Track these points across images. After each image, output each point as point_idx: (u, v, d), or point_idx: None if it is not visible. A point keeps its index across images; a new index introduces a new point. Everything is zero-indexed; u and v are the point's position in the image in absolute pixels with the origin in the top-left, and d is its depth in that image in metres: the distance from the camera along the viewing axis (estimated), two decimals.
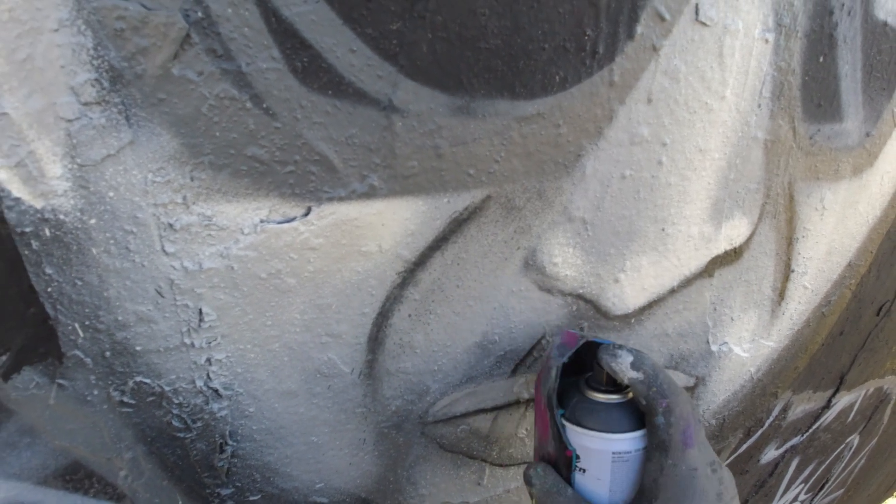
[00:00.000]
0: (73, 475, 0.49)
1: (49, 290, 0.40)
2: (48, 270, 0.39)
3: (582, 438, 0.45)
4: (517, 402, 0.56)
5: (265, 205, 0.40)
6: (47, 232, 0.38)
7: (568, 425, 0.46)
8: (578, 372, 0.49)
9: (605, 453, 0.44)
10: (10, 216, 0.37)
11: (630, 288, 0.55)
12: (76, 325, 0.41)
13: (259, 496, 0.52)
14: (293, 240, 0.41)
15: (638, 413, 0.45)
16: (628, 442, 0.44)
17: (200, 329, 0.42)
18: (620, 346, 0.45)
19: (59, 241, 0.38)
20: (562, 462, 0.46)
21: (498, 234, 0.47)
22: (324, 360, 0.47)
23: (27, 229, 0.38)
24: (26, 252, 0.38)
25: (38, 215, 0.37)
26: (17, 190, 0.36)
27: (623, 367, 0.43)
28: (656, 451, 0.43)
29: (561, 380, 0.46)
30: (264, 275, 0.41)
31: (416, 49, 0.38)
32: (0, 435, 0.48)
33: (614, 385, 0.46)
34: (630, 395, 0.46)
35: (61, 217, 0.38)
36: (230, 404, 0.46)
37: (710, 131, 0.52)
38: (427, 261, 0.45)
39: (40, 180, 0.36)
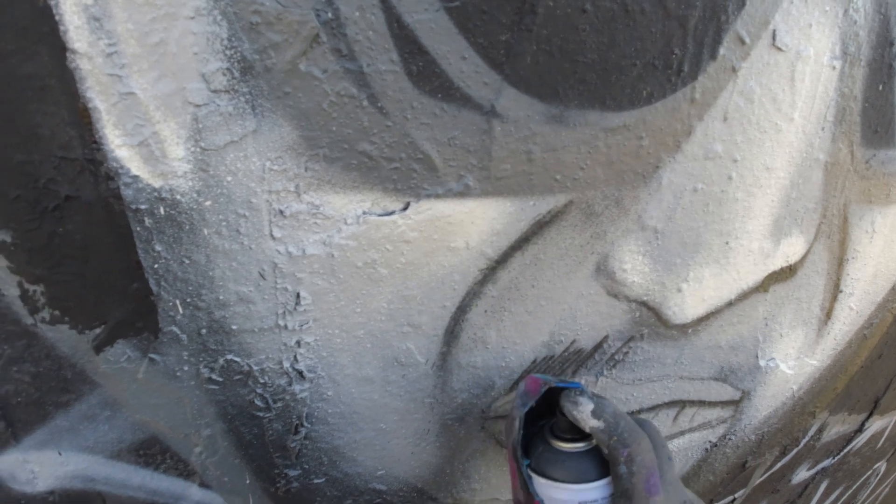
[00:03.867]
0: (147, 450, 0.51)
1: (156, 266, 0.42)
2: (158, 247, 0.41)
3: (548, 489, 0.45)
4: None
5: (369, 197, 0.42)
6: (162, 210, 0.40)
7: (534, 476, 0.46)
8: (549, 411, 0.48)
9: (572, 503, 0.45)
10: (127, 193, 0.39)
11: (691, 298, 0.57)
12: (177, 302, 0.44)
13: (323, 479, 0.54)
14: (391, 232, 0.43)
15: (603, 460, 0.45)
16: (594, 491, 0.44)
17: (295, 312, 0.44)
18: (582, 393, 0.44)
19: (172, 220, 0.41)
20: None
21: (575, 239, 0.49)
22: (402, 350, 0.49)
23: (142, 206, 0.40)
24: (138, 228, 0.41)
25: (155, 194, 0.40)
26: (136, 168, 0.39)
27: (584, 415, 0.43)
28: (621, 499, 0.43)
29: (526, 428, 0.46)
30: (360, 263, 0.44)
31: (521, 59, 0.41)
32: (80, 407, 0.50)
33: (578, 432, 0.46)
34: (594, 441, 0.46)
35: (178, 197, 0.40)
36: (311, 387, 0.48)
37: (778, 151, 0.54)
38: (508, 260, 0.48)
39: (161, 161, 0.39)
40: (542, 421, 0.49)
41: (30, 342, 0.44)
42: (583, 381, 0.57)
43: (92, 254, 0.41)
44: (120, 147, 0.38)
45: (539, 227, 0.47)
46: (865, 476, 0.99)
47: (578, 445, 0.46)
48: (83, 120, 0.37)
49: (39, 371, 0.46)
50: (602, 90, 0.44)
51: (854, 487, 0.99)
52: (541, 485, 0.46)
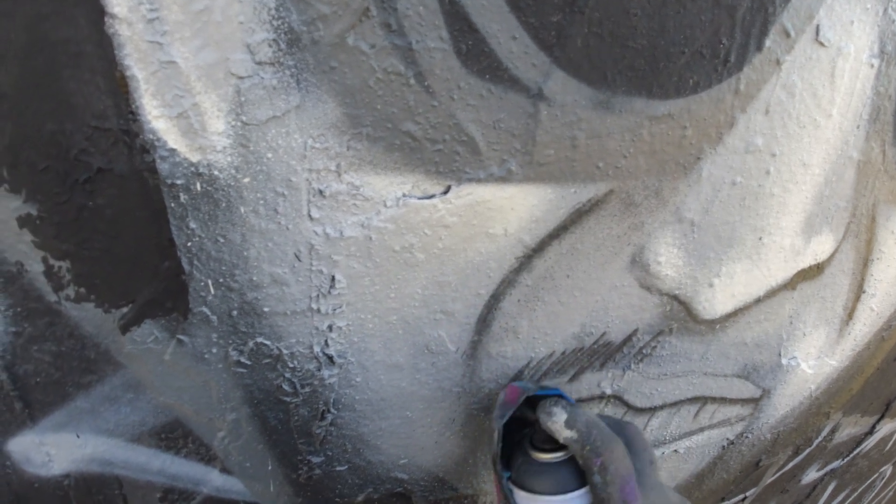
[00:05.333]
0: (169, 434, 0.50)
1: (189, 244, 0.41)
2: (192, 225, 0.40)
3: (529, 502, 0.45)
4: (600, 397, 0.58)
5: (409, 180, 0.41)
6: (198, 186, 0.39)
7: (514, 489, 0.46)
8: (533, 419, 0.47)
9: None
10: (163, 167, 0.38)
11: (721, 293, 0.56)
12: (209, 282, 0.42)
13: (346, 466, 0.53)
14: (430, 216, 0.42)
15: (581, 469, 0.44)
16: (574, 501, 0.44)
17: (329, 296, 0.43)
18: (556, 402, 0.44)
19: (208, 197, 0.39)
20: None
21: (613, 229, 0.48)
22: (433, 337, 0.48)
23: (178, 181, 0.39)
24: (172, 205, 0.40)
25: (192, 169, 0.38)
26: (173, 141, 0.37)
27: (558, 425, 0.43)
28: None
29: (508, 438, 0.46)
30: (398, 247, 0.43)
31: (571, 42, 0.40)
32: (101, 388, 0.49)
33: (557, 442, 0.45)
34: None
35: (215, 173, 0.39)
36: (340, 372, 0.47)
37: (815, 147, 0.54)
38: (545, 248, 0.47)
39: (200, 134, 0.37)
40: (525, 429, 0.48)
41: (52, 320, 0.43)
42: (610, 374, 0.57)
43: (122, 230, 0.40)
44: (157, 118, 0.36)
45: (578, 216, 0.46)
46: (872, 479, 0.99)
47: (557, 455, 0.45)
48: (120, 89, 0.36)
49: (61, 350, 0.44)
50: (650, 77, 0.43)
51: (860, 490, 0.99)
52: (522, 498, 0.46)
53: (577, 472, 0.45)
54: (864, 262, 0.66)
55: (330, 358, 0.46)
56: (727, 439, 0.71)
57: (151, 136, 0.37)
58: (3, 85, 0.35)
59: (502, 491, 0.46)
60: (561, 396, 0.45)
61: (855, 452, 0.90)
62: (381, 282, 0.44)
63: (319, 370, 0.47)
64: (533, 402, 0.46)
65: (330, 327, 0.45)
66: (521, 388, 0.46)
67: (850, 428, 0.84)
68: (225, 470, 0.51)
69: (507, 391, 0.47)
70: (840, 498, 0.97)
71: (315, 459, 0.52)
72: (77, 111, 0.36)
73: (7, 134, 0.36)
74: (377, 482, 0.55)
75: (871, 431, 0.89)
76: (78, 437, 0.49)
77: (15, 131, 0.36)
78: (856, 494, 1.00)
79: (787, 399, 0.71)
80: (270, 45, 0.36)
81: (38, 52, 0.35)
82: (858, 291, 0.68)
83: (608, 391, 0.58)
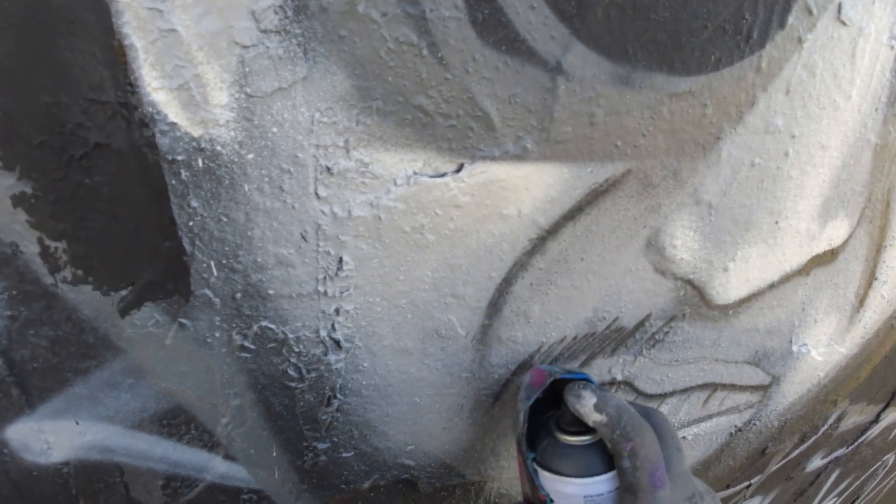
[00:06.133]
0: (171, 420, 0.49)
1: (191, 224, 0.39)
2: (194, 203, 0.39)
3: (554, 483, 0.44)
4: (610, 383, 0.57)
5: (420, 157, 0.39)
6: (200, 163, 0.37)
7: (539, 470, 0.45)
8: (557, 402, 0.47)
9: (578, 497, 0.44)
10: (163, 142, 0.36)
11: (736, 278, 0.55)
12: (212, 263, 0.41)
13: (352, 453, 0.52)
14: (441, 195, 0.41)
15: (609, 453, 0.44)
16: (600, 485, 0.44)
17: (336, 278, 0.42)
18: (585, 386, 0.44)
19: (210, 174, 0.38)
20: None
21: (630, 210, 0.47)
22: (443, 321, 0.46)
23: (179, 157, 0.37)
24: (173, 182, 0.38)
25: (194, 144, 0.37)
26: (174, 115, 0.36)
27: (587, 409, 0.43)
28: (626, 493, 0.42)
29: (534, 420, 0.45)
30: (408, 228, 0.41)
31: (592, 13, 0.38)
32: (101, 374, 0.48)
33: (583, 425, 0.45)
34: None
35: (218, 148, 0.37)
36: (347, 357, 0.46)
37: (833, 129, 0.52)
38: (559, 230, 0.45)
39: (202, 107, 0.36)
40: (549, 412, 0.48)
41: (49, 304, 0.41)
42: (621, 360, 0.56)
43: (121, 208, 0.38)
44: (157, 90, 0.35)
45: (594, 197, 0.45)
46: (874, 467, 0.99)
47: (583, 438, 0.45)
48: (118, 59, 0.34)
49: (59, 335, 0.43)
50: (671, 52, 0.41)
51: (862, 478, 0.99)
52: (546, 479, 0.45)
53: (604, 456, 0.44)
54: (878, 249, 0.65)
55: (337, 342, 0.45)
56: (735, 426, 0.70)
57: (151, 110, 0.35)
58: None
59: (527, 472, 0.45)
60: (588, 380, 0.45)
61: (859, 441, 0.90)
62: (390, 264, 0.42)
63: (326, 355, 0.45)
64: (557, 386, 0.46)
65: (337, 311, 0.44)
66: (547, 371, 0.45)
67: (855, 416, 0.84)
68: (228, 457, 0.50)
69: (532, 373, 0.46)
70: (843, 486, 0.97)
71: (321, 446, 0.51)
72: (73, 83, 0.34)
73: (0, 107, 0.35)
74: (384, 469, 0.54)
75: (875, 420, 0.88)
76: (77, 423, 0.48)
77: (8, 104, 0.35)
78: (858, 483, 1.00)
79: (795, 386, 0.70)
80: (276, 13, 0.34)
81: (31, 20, 0.33)
82: (870, 278, 0.67)
83: (619, 377, 0.57)
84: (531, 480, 0.45)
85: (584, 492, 0.44)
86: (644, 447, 0.41)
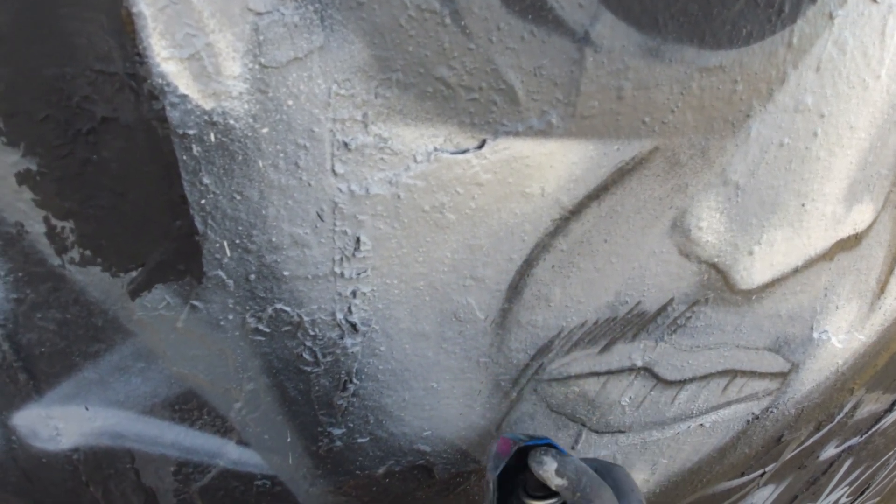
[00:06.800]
0: (183, 405, 0.48)
1: (203, 202, 0.38)
2: (206, 180, 0.37)
3: None
4: (630, 369, 0.55)
5: (441, 132, 0.38)
6: (212, 137, 0.36)
7: None
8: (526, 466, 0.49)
9: None
10: (173, 115, 0.35)
11: (760, 262, 0.54)
12: (225, 243, 0.40)
13: (368, 438, 0.51)
14: (463, 173, 0.39)
15: None
16: None
17: (353, 259, 0.41)
18: (546, 452, 0.46)
19: (223, 149, 0.36)
20: None
21: (656, 190, 0.45)
22: (462, 304, 0.45)
23: (190, 132, 0.35)
24: (185, 157, 0.36)
25: (206, 117, 0.35)
26: (185, 86, 0.34)
27: (549, 473, 0.45)
28: None
29: (503, 487, 0.47)
30: (427, 207, 0.40)
31: None
32: (110, 358, 0.46)
33: (549, 489, 0.46)
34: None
35: (231, 122, 0.35)
36: (363, 341, 0.45)
37: (862, 109, 0.50)
38: (583, 210, 0.44)
39: (214, 78, 0.34)
40: (520, 476, 0.50)
41: (56, 285, 0.40)
42: (642, 346, 0.54)
43: (130, 186, 0.37)
44: (167, 60, 0.33)
45: (620, 175, 0.43)
46: (886, 457, 0.99)
47: (549, 502, 0.47)
48: (125, 27, 0.32)
49: (66, 318, 0.42)
50: (703, 24, 0.39)
51: (874, 467, 0.99)
52: None
53: None
54: None
55: (353, 325, 0.44)
56: (753, 414, 0.69)
57: (160, 81, 0.33)
58: None
59: None
60: (551, 445, 0.47)
61: (873, 430, 0.89)
62: (408, 244, 0.41)
63: (342, 338, 0.44)
64: (526, 451, 0.48)
65: (354, 293, 0.42)
66: (512, 440, 0.48)
67: (870, 405, 0.83)
68: (241, 442, 0.49)
69: (499, 443, 0.48)
70: (854, 475, 0.97)
71: (336, 431, 0.50)
72: (79, 53, 0.33)
73: (3, 80, 0.33)
74: (399, 454, 0.53)
75: (890, 409, 0.87)
76: (87, 409, 0.47)
77: (11, 77, 0.33)
78: (870, 472, 1.00)
79: (814, 374, 0.69)
80: None
81: None
82: (892, 264, 0.65)
83: (639, 363, 0.55)
84: None
85: None
86: None
